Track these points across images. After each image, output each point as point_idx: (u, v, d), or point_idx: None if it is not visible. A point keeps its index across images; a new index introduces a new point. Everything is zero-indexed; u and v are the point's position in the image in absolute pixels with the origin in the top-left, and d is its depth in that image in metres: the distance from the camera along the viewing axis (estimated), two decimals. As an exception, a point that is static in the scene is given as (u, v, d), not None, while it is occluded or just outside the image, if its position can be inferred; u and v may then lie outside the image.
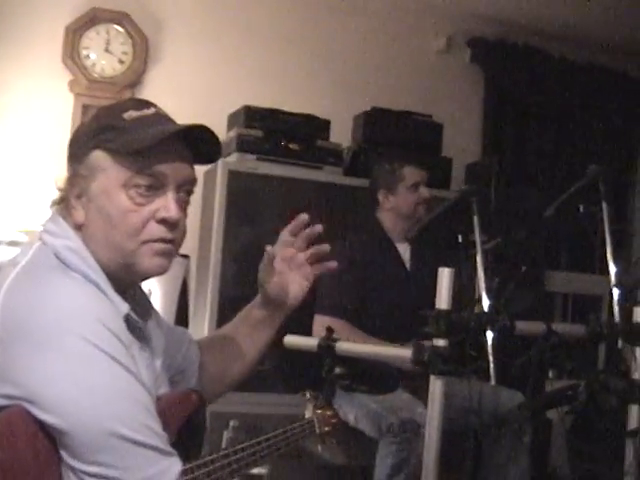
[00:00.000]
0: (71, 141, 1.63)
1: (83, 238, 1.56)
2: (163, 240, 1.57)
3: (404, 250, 3.68)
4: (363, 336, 3.37)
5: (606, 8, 4.72)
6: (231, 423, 3.55)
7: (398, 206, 3.65)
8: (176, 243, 1.61)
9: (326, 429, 2.26)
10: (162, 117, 1.62)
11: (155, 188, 1.56)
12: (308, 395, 2.30)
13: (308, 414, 2.26)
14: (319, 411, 2.27)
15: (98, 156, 1.55)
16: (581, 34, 5.17)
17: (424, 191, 3.65)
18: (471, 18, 5.08)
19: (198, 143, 1.62)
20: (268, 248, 1.89)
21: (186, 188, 1.62)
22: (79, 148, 1.58)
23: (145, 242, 1.55)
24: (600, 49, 5.31)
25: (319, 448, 2.29)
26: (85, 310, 1.43)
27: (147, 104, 1.63)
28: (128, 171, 1.53)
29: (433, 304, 2.99)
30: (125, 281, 1.60)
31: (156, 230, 1.56)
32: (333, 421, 2.29)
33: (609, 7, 4.70)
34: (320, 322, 3.42)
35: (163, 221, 1.56)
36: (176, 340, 1.91)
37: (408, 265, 3.66)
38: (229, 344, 1.99)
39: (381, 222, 3.71)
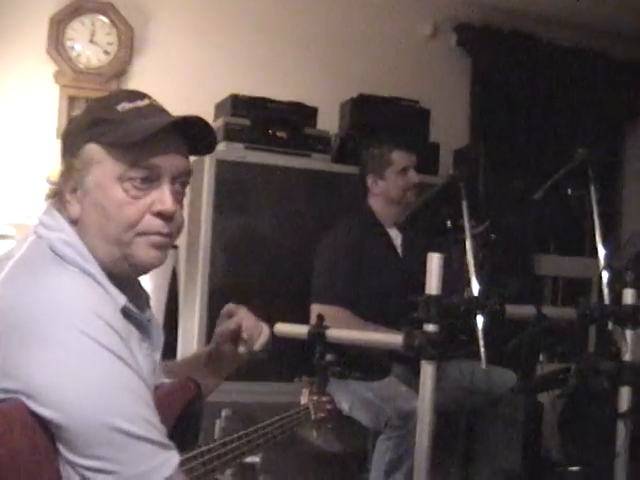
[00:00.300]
0: (64, 135, 1.62)
1: (78, 231, 1.54)
2: (160, 233, 1.56)
3: (396, 235, 3.67)
4: (361, 322, 3.37)
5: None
6: (224, 412, 3.54)
7: (387, 191, 3.64)
8: (173, 236, 1.60)
9: (321, 415, 2.27)
10: (156, 108, 1.60)
11: (150, 180, 1.54)
12: (304, 381, 2.30)
13: (304, 400, 2.26)
14: (315, 397, 2.27)
15: (92, 149, 1.53)
16: (567, 18, 5.17)
17: (413, 175, 3.64)
18: (457, 3, 5.08)
19: (193, 134, 1.61)
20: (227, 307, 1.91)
21: (182, 180, 1.60)
22: (72, 142, 1.57)
23: (141, 234, 1.54)
24: (586, 33, 5.31)
25: (314, 434, 2.29)
26: (82, 303, 1.42)
27: (141, 95, 1.61)
28: (123, 164, 1.52)
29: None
30: (122, 274, 1.58)
31: (153, 223, 1.55)
32: (328, 407, 2.29)
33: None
34: (317, 311, 3.35)
35: (159, 214, 1.54)
36: None
37: (400, 250, 3.67)
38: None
39: (372, 208, 3.70)
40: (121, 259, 1.55)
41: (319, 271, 3.59)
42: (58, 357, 1.37)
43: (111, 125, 1.53)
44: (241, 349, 1.88)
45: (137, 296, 1.67)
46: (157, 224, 1.55)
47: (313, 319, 3.38)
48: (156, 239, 1.56)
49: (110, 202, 1.52)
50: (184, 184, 1.62)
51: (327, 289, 3.51)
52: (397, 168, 3.63)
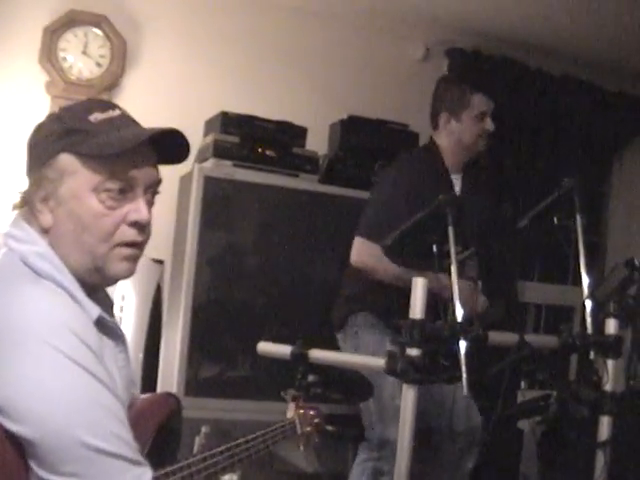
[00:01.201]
0: (32, 143, 1.60)
1: (50, 242, 1.54)
2: (134, 243, 1.58)
3: (457, 181, 3.55)
4: (393, 267, 3.19)
5: (581, 22, 4.75)
6: (203, 429, 3.52)
7: (460, 134, 3.51)
8: (144, 246, 1.63)
9: (308, 429, 2.26)
10: (128, 119, 1.61)
11: (125, 191, 1.55)
12: (290, 394, 2.29)
13: (290, 414, 2.25)
14: (301, 411, 2.26)
15: (66, 159, 1.53)
16: (557, 47, 5.21)
17: (489, 123, 3.51)
18: (449, 28, 5.09)
19: (166, 145, 1.62)
20: None
21: (153, 190, 1.62)
22: (43, 150, 1.56)
23: (116, 245, 1.56)
24: (576, 63, 5.35)
25: (300, 448, 2.27)
26: (56, 318, 1.42)
27: (112, 105, 1.62)
28: (99, 175, 1.52)
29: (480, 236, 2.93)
30: (93, 284, 1.59)
31: (127, 233, 1.56)
32: (315, 421, 2.28)
33: (584, 21, 4.74)
34: (357, 243, 3.33)
35: (134, 224, 1.56)
36: None
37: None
38: None
39: (439, 147, 3.55)
40: (93, 270, 1.55)
41: (371, 203, 3.45)
42: (30, 373, 1.36)
43: (85, 135, 1.53)
44: None
45: (104, 303, 1.67)
46: (132, 234, 1.57)
47: (354, 251, 3.31)
48: (128, 251, 1.57)
49: (86, 212, 1.52)
50: (154, 193, 1.64)
51: (372, 223, 3.32)
52: (475, 112, 3.49)
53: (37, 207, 1.55)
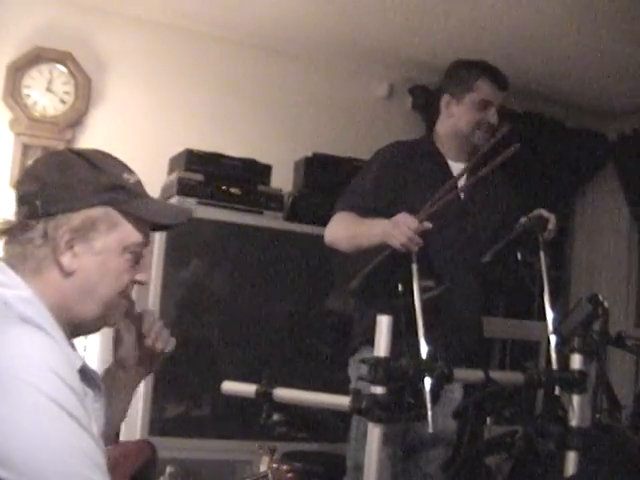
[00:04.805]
0: (57, 182, 1.56)
1: (59, 286, 1.55)
2: (129, 298, 1.70)
3: (459, 171, 3.10)
4: (348, 222, 3.02)
5: (543, 60, 4.82)
6: (168, 469, 3.48)
7: (457, 118, 3.17)
8: None
9: None
10: (143, 187, 1.69)
11: (141, 255, 1.65)
12: (264, 448, 2.24)
13: (263, 467, 2.19)
14: (275, 465, 2.21)
15: (108, 213, 1.57)
16: (520, 85, 5.26)
17: (492, 115, 3.15)
18: (413, 65, 5.14)
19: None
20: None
21: None
22: (78, 197, 1.55)
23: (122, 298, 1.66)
24: (537, 98, 5.41)
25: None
26: (39, 360, 1.40)
27: (129, 168, 1.67)
28: (134, 236, 1.60)
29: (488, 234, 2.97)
30: (82, 332, 1.64)
31: (128, 290, 1.67)
32: (289, 475, 2.23)
33: (550, 59, 4.80)
34: (330, 222, 3.11)
35: (137, 282, 1.67)
36: None
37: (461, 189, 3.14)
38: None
39: (436, 133, 3.27)
40: (98, 319, 1.62)
41: (355, 177, 3.18)
42: (13, 415, 1.35)
43: (128, 195, 1.60)
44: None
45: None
46: (131, 290, 1.68)
47: (326, 233, 3.10)
48: (124, 304, 1.69)
49: (115, 267, 1.59)
50: None
51: (348, 194, 3.10)
52: (477, 97, 3.13)
53: (61, 248, 1.54)
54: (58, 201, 1.55)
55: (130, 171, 1.65)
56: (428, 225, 2.70)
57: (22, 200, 1.57)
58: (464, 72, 3.18)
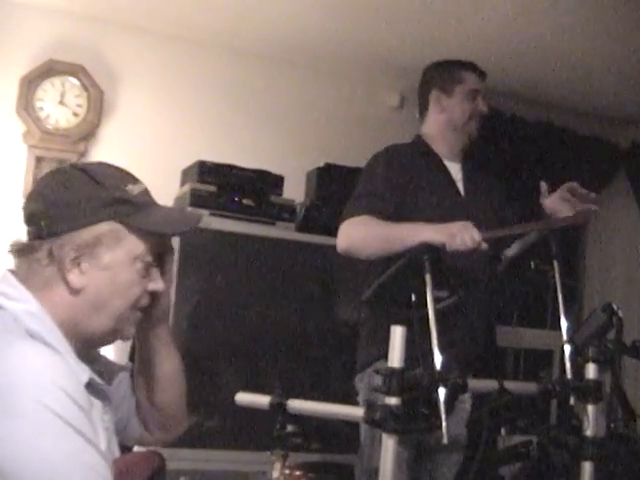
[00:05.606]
0: (59, 201, 1.57)
1: (50, 304, 1.54)
2: (143, 309, 1.67)
3: (456, 171, 3.24)
4: (378, 224, 2.95)
5: (557, 69, 4.81)
6: (181, 480, 3.49)
7: (450, 111, 3.21)
8: None
9: None
10: (148, 193, 1.68)
11: (154, 264, 1.65)
12: (276, 454, 2.25)
13: (275, 474, 2.20)
14: (287, 471, 2.22)
15: (113, 228, 1.57)
16: (532, 92, 5.27)
17: (481, 103, 3.23)
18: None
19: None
20: None
21: None
22: (82, 214, 1.56)
23: (134, 310, 1.64)
24: (549, 108, 5.41)
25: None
26: (46, 376, 1.41)
27: (133, 177, 1.67)
28: (142, 247, 1.60)
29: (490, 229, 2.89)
30: (95, 345, 1.67)
31: (144, 300, 1.66)
32: None
33: (561, 67, 4.80)
34: (341, 229, 3.05)
35: (151, 292, 1.66)
36: (120, 389, 1.89)
37: (461, 186, 3.22)
38: (149, 367, 1.90)
39: (426, 135, 3.28)
40: (110, 332, 1.62)
41: (357, 184, 3.14)
42: (19, 431, 1.35)
43: (131, 207, 1.59)
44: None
45: (99, 361, 1.74)
46: (146, 301, 1.66)
47: (338, 240, 3.03)
48: (138, 316, 1.66)
49: (125, 280, 1.59)
50: None
51: (356, 199, 3.05)
52: (467, 88, 3.21)
53: (67, 266, 1.55)
54: (62, 220, 1.56)
55: (135, 181, 1.65)
56: (485, 246, 2.75)
57: (29, 221, 1.60)
58: (449, 67, 3.27)
